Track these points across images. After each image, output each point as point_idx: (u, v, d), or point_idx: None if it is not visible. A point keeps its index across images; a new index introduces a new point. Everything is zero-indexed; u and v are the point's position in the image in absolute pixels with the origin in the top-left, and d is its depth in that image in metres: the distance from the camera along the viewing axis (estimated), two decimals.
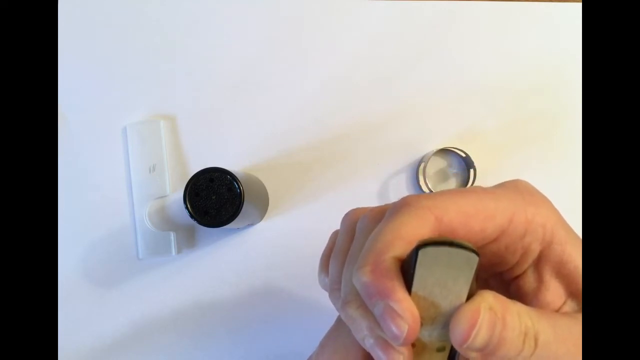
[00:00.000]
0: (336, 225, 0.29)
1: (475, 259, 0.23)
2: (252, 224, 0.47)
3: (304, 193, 0.47)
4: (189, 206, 0.39)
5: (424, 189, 0.47)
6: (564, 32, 0.48)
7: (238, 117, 0.47)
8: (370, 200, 0.47)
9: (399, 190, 0.47)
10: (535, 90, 0.47)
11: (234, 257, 0.47)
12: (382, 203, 0.47)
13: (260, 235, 0.47)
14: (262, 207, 0.46)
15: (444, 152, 0.47)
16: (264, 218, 0.47)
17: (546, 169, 0.47)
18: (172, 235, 0.46)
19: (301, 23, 0.48)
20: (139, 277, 0.47)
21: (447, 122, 0.47)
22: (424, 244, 0.22)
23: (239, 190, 0.39)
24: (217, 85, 0.48)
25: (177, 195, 0.45)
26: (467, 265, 0.23)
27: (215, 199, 0.39)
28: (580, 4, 0.48)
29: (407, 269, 0.23)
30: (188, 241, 0.47)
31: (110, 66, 0.48)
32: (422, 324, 0.23)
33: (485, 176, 0.46)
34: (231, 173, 0.39)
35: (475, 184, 0.46)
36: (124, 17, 0.48)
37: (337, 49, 0.48)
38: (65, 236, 0.46)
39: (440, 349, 0.24)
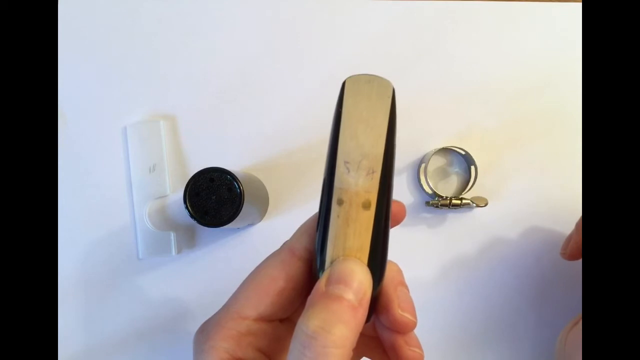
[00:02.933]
0: None
1: (390, 86, 0.26)
2: (252, 224, 0.47)
3: (304, 193, 0.47)
4: (189, 206, 0.39)
5: (425, 188, 0.47)
6: (564, 32, 0.48)
7: (238, 117, 0.47)
8: None
9: (400, 189, 0.47)
10: (535, 90, 0.47)
11: (234, 257, 0.47)
12: None
13: (260, 235, 0.47)
14: (262, 207, 0.46)
15: (445, 151, 0.47)
16: (264, 218, 0.47)
17: (546, 167, 0.47)
18: (172, 235, 0.46)
19: (301, 23, 0.48)
20: (139, 277, 0.47)
21: (448, 121, 0.47)
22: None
23: (239, 190, 0.39)
24: (217, 85, 0.48)
25: (177, 195, 0.45)
26: (385, 94, 0.26)
27: (215, 199, 0.39)
28: (580, 4, 0.48)
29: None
30: (188, 241, 0.47)
31: (110, 66, 0.48)
32: (348, 169, 0.24)
33: (486, 174, 0.46)
34: (231, 173, 0.39)
35: (476, 183, 0.46)
36: (124, 17, 0.48)
37: (337, 49, 0.48)
38: (65, 236, 0.46)
39: (366, 205, 0.25)
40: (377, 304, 0.26)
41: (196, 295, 0.46)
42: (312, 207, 0.47)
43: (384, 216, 0.25)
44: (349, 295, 0.23)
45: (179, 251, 0.46)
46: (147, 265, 0.47)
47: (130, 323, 0.46)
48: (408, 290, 0.27)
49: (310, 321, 0.22)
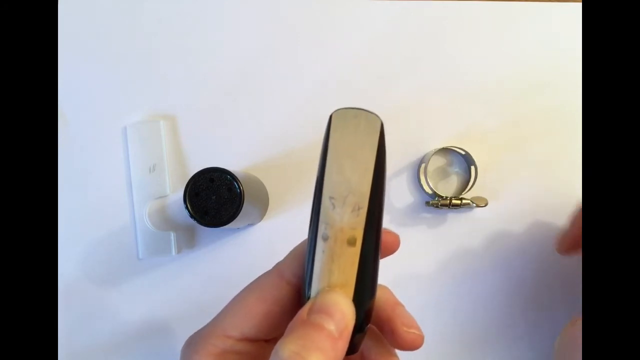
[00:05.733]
0: None
1: (378, 122, 0.25)
2: (252, 224, 0.47)
3: (304, 193, 0.47)
4: (189, 206, 0.39)
5: (425, 188, 0.47)
6: (564, 32, 0.48)
7: (238, 117, 0.47)
8: None
9: (400, 189, 0.47)
10: (535, 90, 0.47)
11: (234, 257, 0.47)
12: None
13: (260, 235, 0.47)
14: (262, 207, 0.46)
15: (445, 151, 0.47)
16: (264, 218, 0.47)
17: (546, 167, 0.47)
18: (172, 235, 0.46)
19: (301, 23, 0.48)
20: (139, 277, 0.47)
21: (447, 121, 0.47)
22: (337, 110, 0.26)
23: (239, 190, 0.39)
24: (217, 86, 0.48)
25: (177, 195, 0.45)
26: (372, 129, 0.25)
27: (215, 199, 0.39)
28: (580, 4, 0.48)
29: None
30: (188, 241, 0.47)
31: (110, 66, 0.48)
32: (334, 205, 0.24)
33: (486, 174, 0.46)
34: (231, 173, 0.39)
35: (476, 183, 0.46)
36: (124, 17, 0.48)
37: (337, 49, 0.48)
38: (65, 236, 0.46)
39: (351, 242, 0.24)
40: (363, 339, 0.25)
41: (196, 295, 0.46)
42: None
43: (371, 252, 0.24)
44: (330, 326, 0.23)
45: (179, 251, 0.46)
46: (147, 265, 0.47)
47: (130, 323, 0.46)
48: (404, 307, 0.27)
49: (287, 346, 0.22)
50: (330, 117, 0.26)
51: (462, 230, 0.47)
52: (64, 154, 0.47)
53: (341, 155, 0.25)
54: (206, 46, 0.48)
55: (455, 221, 0.47)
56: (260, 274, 0.29)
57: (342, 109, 0.26)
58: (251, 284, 0.28)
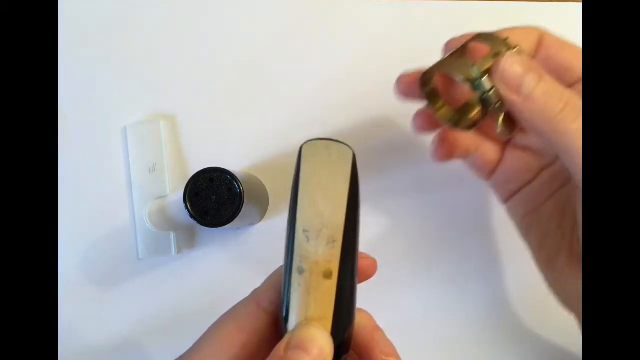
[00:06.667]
0: None
1: (349, 153, 0.25)
2: (252, 224, 0.47)
3: None
4: (189, 206, 0.39)
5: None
6: (564, 32, 0.48)
7: (238, 117, 0.47)
8: (371, 199, 0.47)
9: (400, 190, 0.47)
10: None
11: (234, 257, 0.47)
12: (383, 202, 0.47)
13: (260, 235, 0.47)
14: (262, 207, 0.46)
15: None
16: (264, 218, 0.47)
17: None
18: (172, 235, 0.46)
19: (301, 23, 0.48)
20: (139, 277, 0.47)
21: None
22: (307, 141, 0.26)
23: (239, 190, 0.39)
24: (217, 85, 0.48)
25: (177, 195, 0.45)
26: (344, 160, 0.25)
27: (215, 199, 0.39)
28: (580, 4, 0.48)
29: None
30: (188, 241, 0.47)
31: (110, 66, 0.48)
32: (308, 238, 0.24)
33: None
34: (231, 173, 0.39)
35: None
36: (124, 17, 0.48)
37: (337, 49, 0.48)
38: (65, 236, 0.46)
39: (327, 275, 0.24)
40: None
41: (196, 295, 0.46)
42: None
43: (348, 283, 0.24)
44: None
45: (179, 251, 0.46)
46: (147, 265, 0.47)
47: (130, 323, 0.46)
48: (383, 332, 0.27)
49: None
50: (301, 148, 0.26)
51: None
52: (64, 154, 0.47)
53: (313, 188, 0.24)
54: (206, 46, 0.48)
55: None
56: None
57: (312, 140, 0.26)
58: (227, 312, 0.28)
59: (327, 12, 0.48)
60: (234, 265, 0.46)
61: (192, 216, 0.39)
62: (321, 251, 0.24)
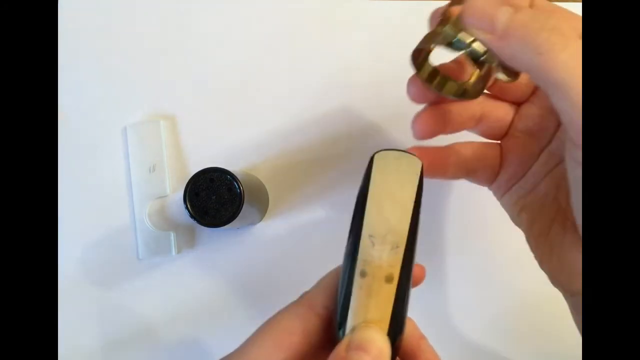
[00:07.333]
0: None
1: (419, 164, 0.27)
2: (252, 224, 0.47)
3: (304, 193, 0.47)
4: (189, 206, 0.39)
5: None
6: None
7: (238, 117, 0.47)
8: None
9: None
10: None
11: (234, 257, 0.47)
12: None
13: (260, 235, 0.47)
14: (262, 207, 0.46)
15: None
16: (264, 218, 0.47)
17: None
18: (172, 235, 0.46)
19: (301, 23, 0.48)
20: (139, 277, 0.47)
21: None
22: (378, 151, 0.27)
23: (239, 190, 0.39)
24: (217, 85, 0.48)
25: (177, 195, 0.45)
26: (413, 170, 0.26)
27: (215, 199, 0.39)
28: (580, 4, 0.48)
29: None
30: (188, 241, 0.47)
31: (110, 66, 0.48)
32: (373, 243, 0.25)
33: None
34: (231, 173, 0.39)
35: None
36: (124, 17, 0.48)
37: (337, 49, 0.48)
38: (65, 236, 0.46)
39: (388, 279, 0.25)
40: None
41: (196, 295, 0.46)
42: (312, 208, 0.47)
43: (405, 288, 0.25)
44: None
45: (179, 251, 0.46)
46: (147, 265, 0.47)
47: (130, 323, 0.46)
48: (428, 341, 0.28)
49: None
50: (372, 158, 0.27)
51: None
52: (64, 154, 0.47)
53: (382, 196, 0.26)
54: (206, 46, 0.48)
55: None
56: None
57: (384, 150, 0.27)
58: (278, 314, 0.28)
59: (327, 12, 0.48)
60: (234, 265, 0.46)
61: (192, 216, 0.39)
62: (385, 256, 0.25)
